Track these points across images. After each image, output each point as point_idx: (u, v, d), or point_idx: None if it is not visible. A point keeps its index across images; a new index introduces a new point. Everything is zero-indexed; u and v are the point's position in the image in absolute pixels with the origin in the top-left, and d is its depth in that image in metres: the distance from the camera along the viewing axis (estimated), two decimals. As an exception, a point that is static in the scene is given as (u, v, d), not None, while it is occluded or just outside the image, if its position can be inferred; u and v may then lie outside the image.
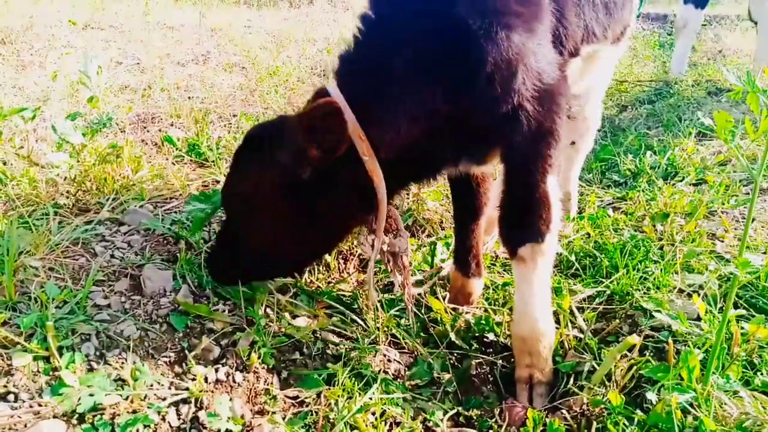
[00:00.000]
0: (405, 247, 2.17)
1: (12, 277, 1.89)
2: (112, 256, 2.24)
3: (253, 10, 12.02)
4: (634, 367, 1.86)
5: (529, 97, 1.80)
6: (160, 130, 3.86)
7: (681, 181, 3.39)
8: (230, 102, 4.69)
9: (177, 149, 3.38)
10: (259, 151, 1.94)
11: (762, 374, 1.72)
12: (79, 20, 8.31)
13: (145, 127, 3.88)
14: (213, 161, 3.23)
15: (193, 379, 1.80)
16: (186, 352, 1.88)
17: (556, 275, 2.51)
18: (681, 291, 2.20)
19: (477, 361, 2.18)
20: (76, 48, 6.68)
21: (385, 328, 2.22)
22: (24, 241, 2.08)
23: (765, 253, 2.36)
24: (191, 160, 3.34)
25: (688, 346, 1.85)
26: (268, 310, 2.15)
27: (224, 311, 2.08)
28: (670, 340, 1.86)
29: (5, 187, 2.48)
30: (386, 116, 1.82)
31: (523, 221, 1.94)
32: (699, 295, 2.05)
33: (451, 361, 2.19)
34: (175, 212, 2.60)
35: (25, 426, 1.52)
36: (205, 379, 1.82)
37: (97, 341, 1.82)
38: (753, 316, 1.98)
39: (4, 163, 2.69)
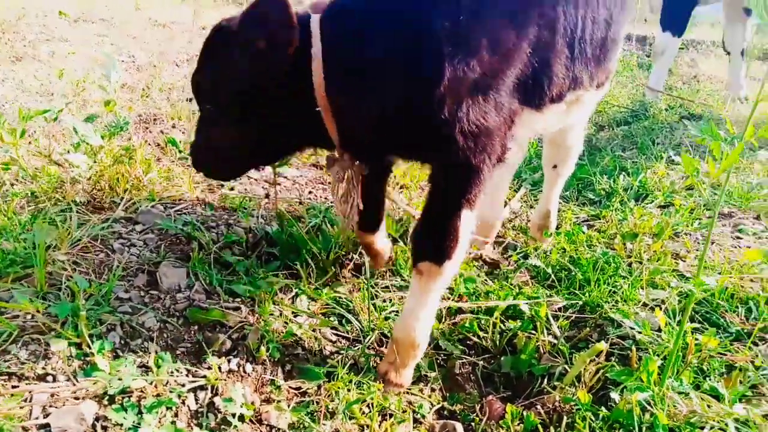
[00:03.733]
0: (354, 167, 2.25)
1: (43, 269, 2.06)
2: (129, 252, 2.42)
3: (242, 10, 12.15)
4: (601, 371, 2.10)
5: (466, 132, 1.93)
6: (161, 132, 4.03)
7: (651, 203, 3.66)
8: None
9: (180, 151, 3.55)
10: (219, 45, 2.01)
11: (710, 379, 1.97)
12: (71, 12, 8.40)
13: (147, 128, 4.04)
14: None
15: (209, 368, 1.99)
16: (202, 343, 2.08)
17: (534, 285, 2.75)
18: (645, 305, 2.45)
19: (461, 361, 2.40)
20: (70, 42, 6.78)
21: (379, 329, 2.43)
22: (50, 237, 2.24)
23: (720, 273, 2.63)
24: (194, 163, 3.51)
25: (649, 354, 2.10)
26: (273, 307, 2.35)
27: (236, 308, 2.28)
28: (633, 348, 2.11)
29: (21, 183, 2.64)
30: (354, 94, 1.93)
31: (429, 241, 2.11)
32: (661, 309, 2.30)
33: (438, 361, 2.41)
34: (185, 213, 2.79)
35: (63, 404, 1.70)
36: (219, 368, 2.02)
37: (121, 331, 2.01)
38: (706, 329, 2.25)
39: (14, 160, 2.82)
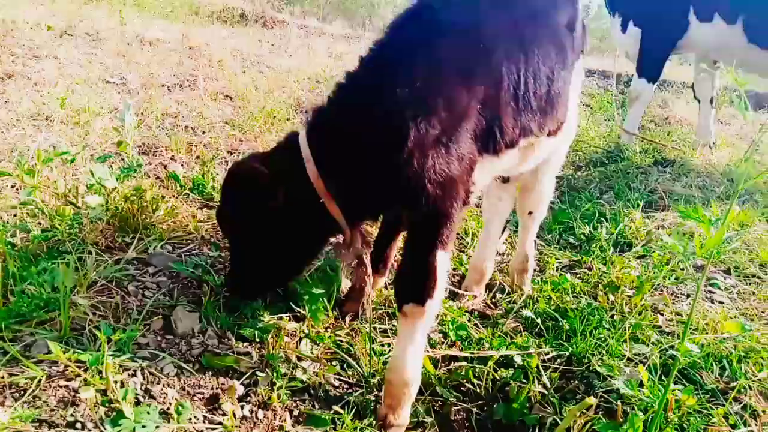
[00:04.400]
0: (362, 252, 2.61)
1: (67, 314, 2.15)
2: (144, 295, 2.52)
3: (227, 28, 12.23)
4: (589, 423, 2.26)
5: (434, 181, 2.20)
6: (161, 163, 4.11)
7: (630, 251, 3.88)
8: (223, 135, 4.93)
9: (182, 186, 3.64)
10: (238, 189, 2.36)
11: (689, 436, 2.16)
12: (57, 26, 8.41)
13: (147, 161, 4.12)
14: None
15: (224, 415, 2.10)
16: (217, 389, 2.18)
17: (524, 334, 2.92)
18: (630, 359, 2.63)
19: (456, 407, 2.55)
20: (59, 59, 6.81)
21: (380, 375, 2.56)
22: (69, 279, 2.33)
23: (696, 329, 2.83)
24: (195, 199, 3.61)
25: (633, 409, 2.27)
26: (280, 351, 2.46)
27: (246, 353, 2.39)
28: (619, 403, 2.29)
29: (36, 220, 2.72)
30: (340, 173, 2.27)
31: (411, 284, 2.32)
32: (644, 364, 2.49)
33: (434, 407, 2.55)
34: (194, 255, 2.89)
35: (94, 452, 1.80)
36: (234, 415, 2.12)
37: (142, 377, 2.11)
38: (684, 385, 2.44)
39: (31, 201, 2.86)
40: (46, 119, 4.67)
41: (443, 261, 2.32)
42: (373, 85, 2.23)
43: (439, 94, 2.20)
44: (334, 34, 13.33)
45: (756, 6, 5.88)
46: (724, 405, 2.31)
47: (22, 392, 1.92)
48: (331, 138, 2.28)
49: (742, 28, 5.97)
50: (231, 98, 6.48)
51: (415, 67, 2.21)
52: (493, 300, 3.42)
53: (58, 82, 5.32)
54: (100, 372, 2.01)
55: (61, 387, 1.96)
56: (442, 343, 2.89)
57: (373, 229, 3.13)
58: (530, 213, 3.39)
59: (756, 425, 2.23)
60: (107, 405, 1.95)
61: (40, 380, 1.94)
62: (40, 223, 2.78)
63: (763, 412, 2.26)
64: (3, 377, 1.95)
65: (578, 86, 3.07)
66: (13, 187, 3.27)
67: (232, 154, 4.49)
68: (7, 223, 2.67)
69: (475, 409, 2.55)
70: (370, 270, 2.69)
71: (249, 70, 8.03)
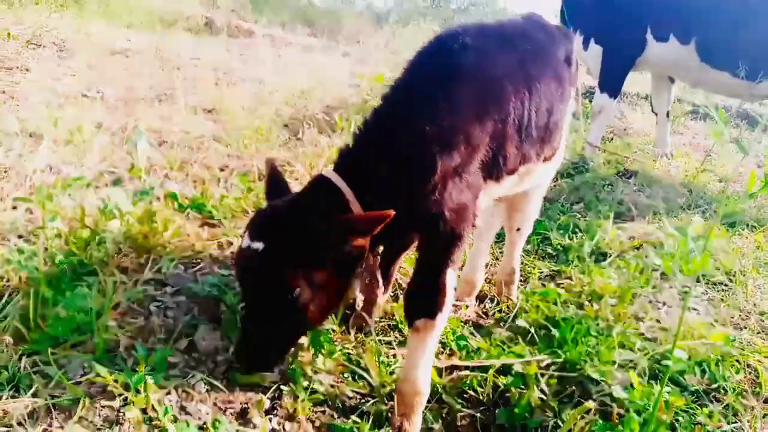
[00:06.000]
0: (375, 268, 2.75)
1: (102, 336, 2.25)
2: (165, 315, 2.62)
3: (193, 37, 12.16)
4: (588, 426, 2.48)
5: (450, 208, 2.42)
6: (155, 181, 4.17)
7: (604, 259, 4.15)
8: (211, 152, 4.98)
9: (181, 205, 3.73)
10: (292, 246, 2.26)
11: (679, 435, 2.39)
12: (21, 35, 8.29)
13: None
14: (219, 220, 3.63)
15: (255, 427, 2.23)
16: (246, 404, 2.31)
17: (519, 343, 3.12)
18: (620, 365, 2.86)
19: (461, 414, 2.73)
20: (32, 71, 6.74)
21: (390, 385, 2.72)
22: (96, 303, 2.42)
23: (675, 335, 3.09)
24: (196, 217, 3.70)
25: (628, 411, 2.50)
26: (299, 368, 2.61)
27: (268, 369, 2.53)
28: (614, 405, 2.51)
29: (52, 244, 2.79)
30: (375, 206, 2.35)
31: (422, 299, 2.50)
32: (634, 369, 2.72)
33: (441, 414, 2.72)
34: (207, 273, 3.00)
35: (143, 469, 1.91)
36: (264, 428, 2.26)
37: (176, 395, 2.22)
38: (672, 388, 2.68)
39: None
40: (30, 136, 4.67)
41: (452, 278, 2.52)
42: (401, 123, 2.39)
43: (459, 130, 2.41)
44: (301, 44, 13.37)
45: (707, 28, 6.29)
46: (707, 405, 2.56)
47: (66, 413, 2.02)
48: (365, 174, 2.40)
49: (695, 48, 6.37)
50: (210, 112, 6.52)
51: (438, 105, 2.39)
52: (484, 310, 3.63)
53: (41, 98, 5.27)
54: (138, 391, 2.12)
55: (104, 407, 2.06)
56: (442, 352, 3.07)
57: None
58: (518, 229, 3.62)
59: (739, 423, 2.48)
60: (148, 423, 2.06)
61: (84, 401, 2.03)
62: (57, 247, 2.85)
63: (744, 409, 2.52)
64: (46, 399, 2.04)
65: (570, 115, 3.32)
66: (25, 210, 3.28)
67: (223, 170, 4.58)
68: (22, 248, 2.72)
69: (479, 415, 2.73)
70: (381, 281, 2.85)
71: (222, 81, 8.04)
